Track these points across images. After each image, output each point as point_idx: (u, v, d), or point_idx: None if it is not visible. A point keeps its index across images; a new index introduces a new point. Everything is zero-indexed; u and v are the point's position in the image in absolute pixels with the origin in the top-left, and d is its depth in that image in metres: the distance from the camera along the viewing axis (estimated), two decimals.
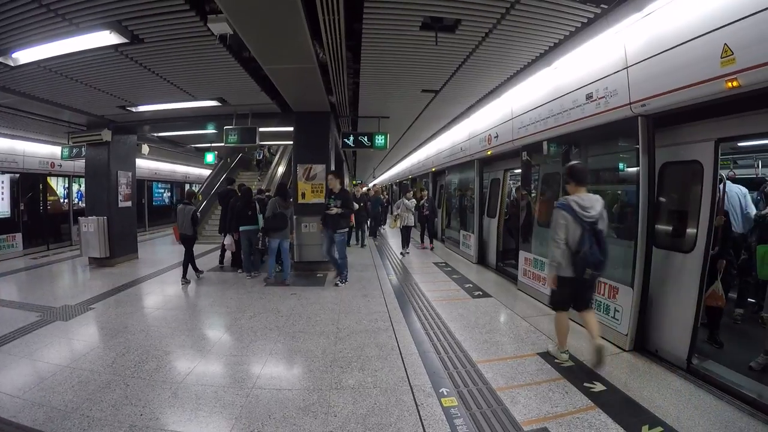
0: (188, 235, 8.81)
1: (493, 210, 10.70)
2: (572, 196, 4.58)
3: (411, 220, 12.51)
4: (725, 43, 3.66)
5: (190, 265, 8.93)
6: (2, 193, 12.69)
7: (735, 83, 3.62)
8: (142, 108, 9.08)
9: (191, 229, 8.80)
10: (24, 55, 5.70)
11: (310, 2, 4.39)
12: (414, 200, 12.99)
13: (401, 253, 12.29)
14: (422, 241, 14.58)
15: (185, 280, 8.72)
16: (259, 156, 21.78)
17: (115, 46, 5.46)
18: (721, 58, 3.70)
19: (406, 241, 12.53)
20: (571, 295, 4.66)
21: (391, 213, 17.24)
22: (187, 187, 24.73)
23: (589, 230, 4.37)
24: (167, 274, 9.59)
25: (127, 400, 3.82)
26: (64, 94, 7.82)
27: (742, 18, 3.51)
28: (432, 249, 13.73)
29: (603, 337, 5.12)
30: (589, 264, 4.35)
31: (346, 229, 8.44)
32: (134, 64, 6.24)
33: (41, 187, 14.11)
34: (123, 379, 4.24)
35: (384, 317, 6.30)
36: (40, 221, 14.00)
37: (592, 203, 4.46)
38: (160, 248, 14.24)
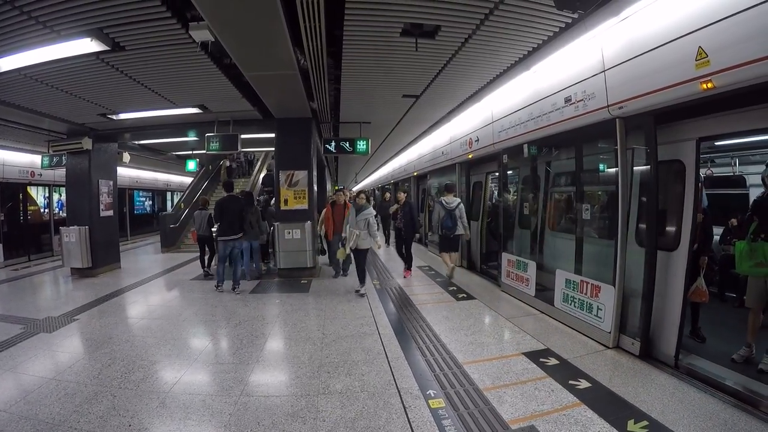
0: (206, 235, 10.13)
1: (476, 213, 10.79)
2: (444, 197, 9.01)
3: (366, 240, 8.04)
4: (700, 46, 3.75)
5: (201, 262, 10.46)
6: None
7: (710, 85, 3.71)
8: (123, 116, 9.00)
9: (208, 230, 10.01)
10: (4, 63, 5.61)
11: (291, 9, 4.41)
12: (371, 208, 8.40)
13: (357, 294, 8.09)
14: (407, 266, 9.94)
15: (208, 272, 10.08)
16: (232, 164, 20.77)
17: (96, 54, 5.42)
18: (696, 60, 3.80)
19: (361, 274, 8.31)
20: (443, 244, 9.20)
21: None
22: (168, 195, 24.61)
23: (448, 213, 8.80)
24: (151, 284, 9.49)
25: (115, 411, 3.79)
26: (45, 102, 7.73)
27: (717, 21, 3.60)
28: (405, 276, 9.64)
29: (587, 336, 5.43)
30: (444, 228, 8.84)
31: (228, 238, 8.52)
32: (115, 71, 6.20)
33: (21, 196, 13.91)
34: (110, 390, 4.20)
35: (369, 322, 6.32)
36: (20, 232, 13.80)
37: (453, 201, 8.92)
38: (143, 257, 14.03)
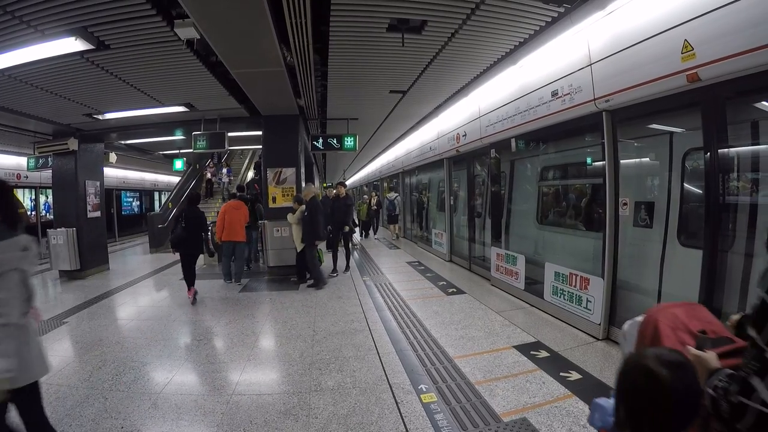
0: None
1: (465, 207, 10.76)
2: (387, 194, 17.19)
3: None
4: (685, 39, 3.79)
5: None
6: None
7: (695, 77, 3.75)
8: (108, 115, 8.89)
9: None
10: None
11: (277, 6, 4.39)
12: (23, 236, 2.64)
13: None
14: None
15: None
16: (213, 177, 19.95)
17: (81, 53, 5.35)
18: (682, 53, 3.83)
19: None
20: (389, 219, 16.72)
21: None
22: (156, 195, 24.43)
23: (390, 203, 16.47)
24: (140, 285, 9.41)
25: (107, 413, 3.77)
26: (30, 103, 7.63)
27: (702, 14, 3.63)
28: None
29: (577, 328, 5.46)
30: (389, 210, 16.54)
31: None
32: (100, 70, 6.13)
33: None
34: (101, 392, 4.17)
35: (360, 318, 6.33)
36: None
37: (393, 195, 16.56)
38: (132, 258, 13.92)
